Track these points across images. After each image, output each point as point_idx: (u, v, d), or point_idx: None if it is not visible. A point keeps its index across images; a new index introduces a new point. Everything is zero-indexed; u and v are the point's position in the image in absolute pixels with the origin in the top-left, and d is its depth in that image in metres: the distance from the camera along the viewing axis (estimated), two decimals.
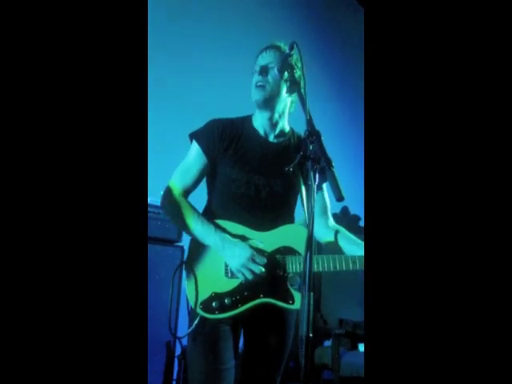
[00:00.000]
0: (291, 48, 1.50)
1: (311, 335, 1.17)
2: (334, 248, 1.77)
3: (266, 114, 1.72)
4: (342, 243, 1.74)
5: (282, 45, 1.69)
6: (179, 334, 1.67)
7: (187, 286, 1.61)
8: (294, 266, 1.61)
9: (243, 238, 1.62)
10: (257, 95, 1.67)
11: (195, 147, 1.73)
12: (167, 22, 3.87)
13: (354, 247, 1.70)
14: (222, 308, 1.58)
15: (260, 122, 1.75)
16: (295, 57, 1.58)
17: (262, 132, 1.74)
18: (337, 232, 1.77)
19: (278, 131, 1.75)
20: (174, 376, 2.83)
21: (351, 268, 1.59)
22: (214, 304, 1.57)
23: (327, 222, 1.82)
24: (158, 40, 3.79)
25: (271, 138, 1.75)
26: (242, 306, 1.59)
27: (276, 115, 1.72)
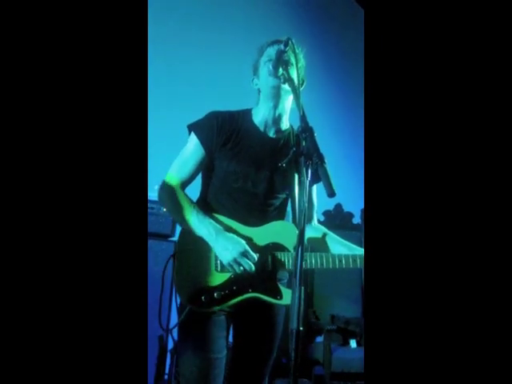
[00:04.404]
0: (286, 44, 1.50)
1: (302, 329, 1.18)
2: (316, 245, 1.79)
3: (271, 104, 1.69)
4: (328, 242, 1.77)
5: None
6: (171, 328, 1.67)
7: (176, 279, 1.61)
8: (283, 262, 1.62)
9: (235, 233, 1.62)
10: (273, 82, 1.63)
11: (193, 139, 1.72)
12: (168, 15, 3.88)
13: (339, 246, 1.73)
14: (211, 302, 1.58)
15: (262, 115, 1.73)
16: (290, 53, 1.57)
17: (261, 127, 1.73)
18: (324, 234, 1.79)
19: (278, 127, 1.74)
20: (166, 370, 2.85)
21: (351, 266, 1.60)
22: (203, 298, 1.58)
23: (311, 221, 1.83)
24: (158, 34, 3.79)
25: (271, 134, 1.74)
26: (230, 300, 1.59)
27: (280, 107, 1.70)
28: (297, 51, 1.66)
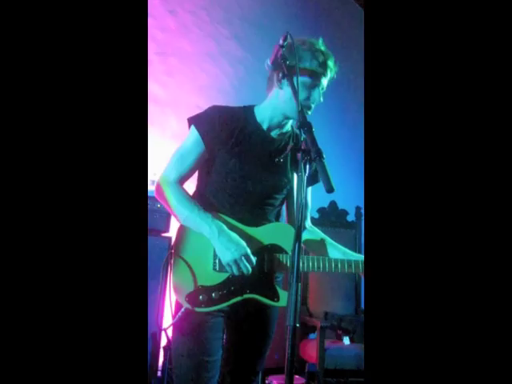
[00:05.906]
0: (284, 39, 1.47)
1: (298, 325, 1.17)
2: (314, 247, 1.79)
3: (274, 101, 1.66)
4: (327, 245, 1.77)
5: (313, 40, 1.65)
6: (165, 325, 1.65)
7: (173, 277, 1.58)
8: (281, 264, 1.61)
9: (234, 232, 1.59)
10: (271, 76, 1.63)
11: (193, 133, 1.66)
12: (170, 9, 3.85)
13: (335, 251, 1.74)
14: (209, 301, 1.56)
15: (264, 113, 1.69)
16: (288, 48, 1.54)
17: (264, 126, 1.69)
18: (322, 238, 1.79)
19: (281, 127, 1.70)
20: (159, 366, 2.83)
21: (346, 271, 1.62)
22: (201, 297, 1.55)
23: (305, 222, 1.82)
24: (159, 25, 3.77)
25: (273, 134, 1.70)
26: (228, 300, 1.57)
27: (283, 104, 1.65)
28: (322, 49, 1.62)
